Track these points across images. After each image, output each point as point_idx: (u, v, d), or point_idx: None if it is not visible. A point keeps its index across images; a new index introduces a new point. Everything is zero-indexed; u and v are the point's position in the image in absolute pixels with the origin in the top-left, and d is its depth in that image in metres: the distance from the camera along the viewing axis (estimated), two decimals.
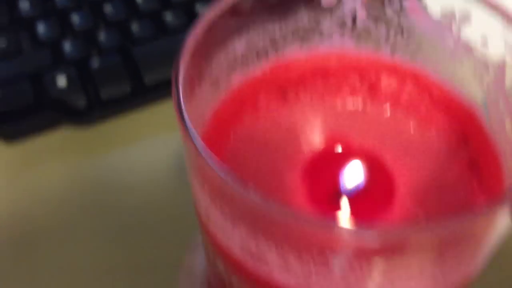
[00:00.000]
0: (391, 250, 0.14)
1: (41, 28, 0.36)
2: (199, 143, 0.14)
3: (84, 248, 0.32)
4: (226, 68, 0.19)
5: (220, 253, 0.17)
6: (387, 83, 0.21)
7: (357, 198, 0.18)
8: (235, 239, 0.15)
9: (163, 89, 0.36)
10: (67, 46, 0.35)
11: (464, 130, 0.20)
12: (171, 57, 0.36)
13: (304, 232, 0.14)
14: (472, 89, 0.20)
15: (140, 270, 0.31)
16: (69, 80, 0.34)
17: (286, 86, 0.20)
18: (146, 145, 0.36)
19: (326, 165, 0.19)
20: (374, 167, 0.19)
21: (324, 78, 0.21)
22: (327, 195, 0.18)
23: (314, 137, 0.20)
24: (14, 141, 0.35)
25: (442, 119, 0.20)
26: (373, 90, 0.21)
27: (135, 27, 0.36)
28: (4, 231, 0.33)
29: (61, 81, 0.34)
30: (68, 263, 0.32)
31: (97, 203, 0.34)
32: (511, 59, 0.18)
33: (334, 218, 0.17)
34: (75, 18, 0.36)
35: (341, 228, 0.13)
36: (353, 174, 0.18)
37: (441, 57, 0.21)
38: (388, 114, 0.21)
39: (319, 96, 0.21)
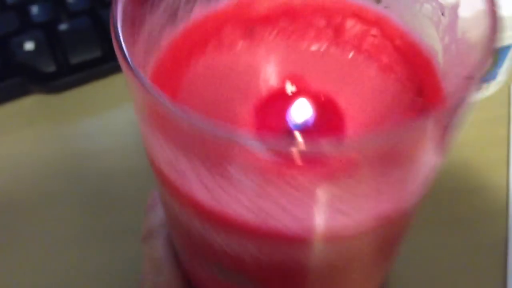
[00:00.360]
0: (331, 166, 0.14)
1: None
2: (131, 62, 0.13)
3: (54, 213, 0.32)
4: None
5: (169, 188, 0.17)
6: (352, 27, 0.21)
7: (306, 134, 0.17)
8: (180, 169, 0.15)
9: None
10: (34, 9, 0.35)
11: (421, 80, 0.20)
12: None
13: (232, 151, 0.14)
14: (430, 37, 0.20)
15: (110, 233, 0.31)
16: (37, 43, 0.34)
17: (252, 23, 0.20)
18: (116, 111, 0.36)
19: (280, 103, 0.18)
20: (328, 107, 0.19)
21: (291, 17, 0.20)
22: (278, 131, 0.18)
23: (274, 76, 0.20)
24: None
25: (401, 67, 0.20)
26: (337, 33, 0.20)
27: None
28: None
29: (29, 44, 0.34)
30: (39, 229, 0.31)
31: (67, 169, 0.33)
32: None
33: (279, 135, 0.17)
34: None
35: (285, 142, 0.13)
36: (304, 111, 0.18)
37: (404, 2, 0.20)
38: (351, 58, 0.20)
39: (284, 35, 0.20)
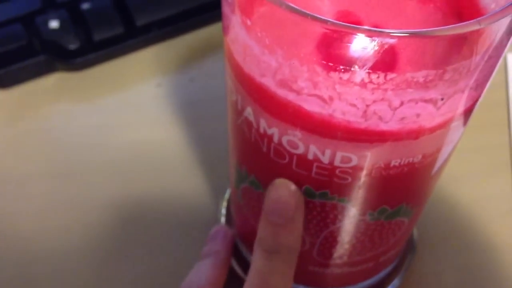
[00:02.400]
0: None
1: None
2: None
3: (82, 184, 0.33)
4: None
5: (251, 94, 0.18)
6: None
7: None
8: (270, 68, 0.16)
9: (154, 31, 0.37)
10: None
11: (459, 5, 0.22)
12: None
13: (333, 45, 0.15)
14: None
15: (138, 199, 0.32)
16: (61, 22, 0.35)
17: None
18: (138, 87, 0.37)
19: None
20: None
21: None
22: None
23: (328, 13, 0.21)
24: (9, 87, 0.36)
25: None
26: None
27: None
28: (4, 171, 0.33)
29: (53, 23, 0.35)
30: (66, 198, 0.32)
31: (92, 142, 0.34)
32: None
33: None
34: None
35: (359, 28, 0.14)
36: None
37: None
38: None
39: None
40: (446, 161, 0.22)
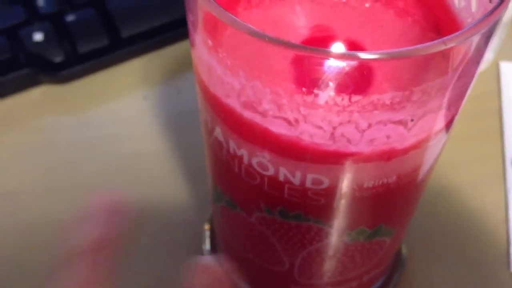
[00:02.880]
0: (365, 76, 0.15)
1: None
2: None
3: (62, 203, 0.32)
4: None
5: (219, 114, 0.18)
6: None
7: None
8: (234, 89, 0.16)
9: (140, 42, 0.37)
10: (40, 1, 0.35)
11: (437, 19, 0.21)
12: (146, 9, 0.37)
13: (295, 66, 0.15)
14: None
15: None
16: (45, 34, 0.34)
17: None
18: (124, 99, 0.36)
19: None
20: (353, 50, 0.20)
21: None
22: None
23: (303, 27, 0.21)
24: None
25: (417, 9, 0.21)
26: None
27: None
28: None
29: (38, 35, 0.35)
30: (52, 215, 0.31)
31: (77, 157, 0.34)
32: None
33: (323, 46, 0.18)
34: None
35: (326, 52, 0.14)
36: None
37: None
38: (369, 6, 0.22)
39: None
40: (426, 178, 0.21)
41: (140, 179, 0.33)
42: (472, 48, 0.15)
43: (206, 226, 0.30)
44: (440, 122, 0.17)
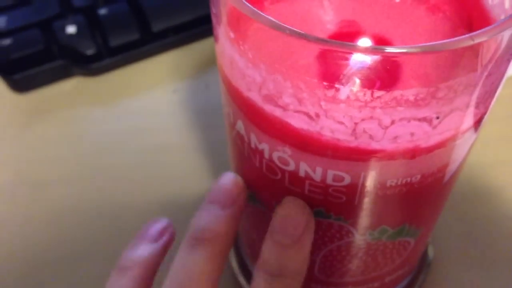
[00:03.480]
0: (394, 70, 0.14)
1: None
2: None
3: (98, 188, 0.33)
4: None
5: (240, 107, 0.17)
6: None
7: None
8: (255, 82, 0.16)
9: (170, 36, 0.37)
10: None
11: (469, 15, 0.20)
12: (177, 4, 0.37)
13: (317, 61, 0.15)
14: None
15: (151, 204, 0.32)
16: (78, 27, 0.35)
17: None
18: (154, 92, 0.37)
19: None
20: (379, 45, 0.20)
21: None
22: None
23: (330, 22, 0.20)
24: (27, 91, 0.36)
25: (449, 5, 0.21)
26: None
27: None
28: (19, 176, 0.33)
29: (70, 28, 0.35)
30: (82, 203, 0.32)
31: (109, 147, 0.34)
32: None
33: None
34: None
35: (351, 44, 0.13)
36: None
37: None
38: (399, 1, 0.21)
39: None
40: (453, 179, 0.20)
41: (167, 171, 0.33)
42: (503, 44, 0.14)
43: None
44: (468, 121, 0.17)
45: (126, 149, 0.34)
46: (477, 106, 0.16)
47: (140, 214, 0.31)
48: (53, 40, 0.35)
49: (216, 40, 0.18)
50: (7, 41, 0.34)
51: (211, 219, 0.20)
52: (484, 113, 0.17)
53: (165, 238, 0.23)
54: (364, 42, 0.19)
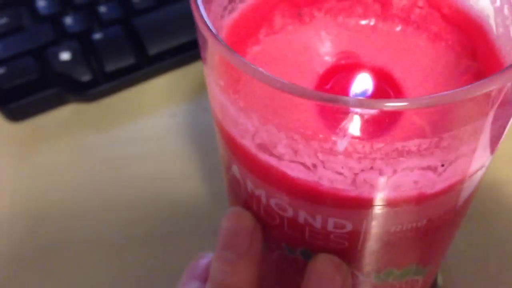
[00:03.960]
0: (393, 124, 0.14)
1: (41, 3, 0.36)
2: (215, 32, 0.13)
3: (96, 219, 0.32)
4: None
5: (234, 153, 0.17)
6: (398, 0, 0.21)
7: None
8: (248, 131, 0.15)
9: (167, 59, 0.36)
10: (68, 20, 0.35)
11: (473, 44, 0.20)
12: (173, 26, 0.36)
13: (312, 111, 0.14)
14: (480, 1, 0.20)
15: (149, 236, 0.31)
16: (73, 53, 0.34)
17: (301, 4, 0.20)
18: (151, 117, 0.36)
19: (338, 79, 0.18)
20: (385, 80, 0.19)
21: None
22: None
23: (328, 54, 0.20)
24: (22, 120, 0.35)
25: (451, 34, 0.20)
26: (385, 8, 0.21)
27: None
28: (16, 208, 0.32)
29: (65, 55, 0.34)
30: (80, 236, 0.31)
31: (105, 175, 0.33)
32: None
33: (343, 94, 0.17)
34: None
35: (350, 101, 0.12)
36: (363, 84, 0.18)
37: None
38: (399, 30, 0.20)
39: (333, 15, 0.20)
40: (462, 215, 0.19)
41: (166, 198, 0.32)
42: (510, 91, 0.13)
43: None
44: (476, 164, 0.16)
45: (124, 176, 0.33)
46: (484, 150, 0.15)
47: (140, 244, 0.31)
48: (47, 68, 0.34)
49: (207, 80, 0.17)
50: (0, 70, 0.33)
51: (228, 269, 0.18)
52: (493, 153, 0.16)
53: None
54: (364, 78, 0.18)
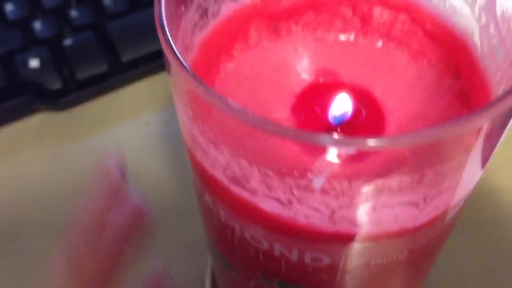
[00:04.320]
0: (372, 164, 0.13)
1: (9, 7, 0.34)
2: (181, 59, 0.12)
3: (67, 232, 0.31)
4: None
5: (206, 183, 0.16)
6: (379, 15, 0.20)
7: (346, 128, 0.16)
8: (219, 163, 0.14)
9: (141, 66, 0.35)
10: (37, 25, 0.34)
11: (456, 62, 0.19)
12: (147, 31, 0.35)
13: (286, 147, 0.13)
14: (464, 18, 0.19)
15: None
16: (42, 60, 0.33)
17: (277, 18, 0.19)
18: (124, 125, 0.35)
19: (317, 98, 0.18)
20: (365, 99, 0.18)
21: (316, 10, 0.19)
22: (317, 126, 0.17)
23: (306, 71, 0.19)
24: None
25: (434, 51, 0.19)
26: (365, 22, 0.20)
27: (107, 1, 0.35)
28: None
29: (34, 62, 0.33)
30: (47, 250, 0.30)
31: (77, 186, 0.32)
32: None
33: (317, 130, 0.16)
34: None
35: (324, 137, 0.11)
36: (343, 106, 0.17)
37: None
38: (380, 47, 0.20)
39: (311, 29, 0.20)
40: (444, 240, 0.19)
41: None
42: (497, 122, 0.13)
43: (207, 280, 0.28)
44: (459, 196, 0.15)
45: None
46: (468, 182, 0.14)
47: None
48: (16, 75, 0.33)
49: (176, 108, 0.16)
50: None
51: None
52: (478, 179, 0.16)
53: None
54: (343, 99, 0.17)
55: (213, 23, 0.18)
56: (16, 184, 0.32)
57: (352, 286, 0.17)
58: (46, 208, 0.32)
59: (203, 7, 0.17)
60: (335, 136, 0.11)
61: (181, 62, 0.13)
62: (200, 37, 0.18)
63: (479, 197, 0.31)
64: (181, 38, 0.15)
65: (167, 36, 0.13)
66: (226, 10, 0.18)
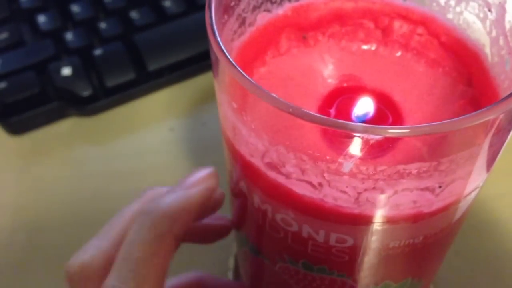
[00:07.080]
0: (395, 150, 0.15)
1: (41, 19, 0.36)
2: (228, 55, 0.14)
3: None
4: (252, 6, 0.20)
5: (244, 170, 0.17)
6: (399, 27, 0.22)
7: None
8: (258, 150, 0.16)
9: (166, 75, 0.37)
10: (69, 36, 0.36)
11: (469, 72, 0.21)
12: (172, 42, 0.37)
13: (319, 134, 0.15)
14: (476, 31, 0.21)
15: None
16: (74, 69, 0.35)
17: (306, 29, 0.21)
18: (150, 131, 0.37)
19: (341, 100, 0.19)
20: (385, 103, 0.20)
21: (341, 22, 0.21)
22: None
23: (331, 76, 0.21)
24: (22, 133, 0.36)
25: (449, 61, 0.21)
26: (386, 34, 0.22)
27: (134, 14, 0.37)
28: (17, 221, 0.33)
29: (66, 70, 0.35)
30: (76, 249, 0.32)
31: (104, 189, 0.34)
32: None
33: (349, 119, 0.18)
34: (75, 8, 0.37)
35: (356, 125, 0.13)
36: (365, 107, 0.19)
37: (449, 1, 0.21)
38: (399, 56, 0.22)
39: (336, 39, 0.22)
40: (456, 231, 0.20)
41: None
42: (507, 118, 0.14)
43: (230, 264, 0.30)
44: (471, 186, 0.17)
45: (123, 189, 0.34)
46: (479, 172, 0.16)
47: None
48: (49, 83, 0.35)
49: (218, 102, 0.18)
50: (2, 85, 0.34)
51: None
52: (487, 174, 0.18)
53: (203, 185, 0.20)
54: (365, 101, 0.19)
55: (249, 31, 0.20)
56: (47, 185, 0.34)
57: (370, 268, 0.19)
58: (75, 209, 0.33)
59: (242, 16, 0.19)
60: (365, 125, 0.13)
61: (230, 60, 0.15)
62: (237, 43, 0.20)
63: (484, 201, 0.32)
64: (223, 43, 0.17)
65: (217, 38, 0.15)
66: (261, 20, 0.20)
